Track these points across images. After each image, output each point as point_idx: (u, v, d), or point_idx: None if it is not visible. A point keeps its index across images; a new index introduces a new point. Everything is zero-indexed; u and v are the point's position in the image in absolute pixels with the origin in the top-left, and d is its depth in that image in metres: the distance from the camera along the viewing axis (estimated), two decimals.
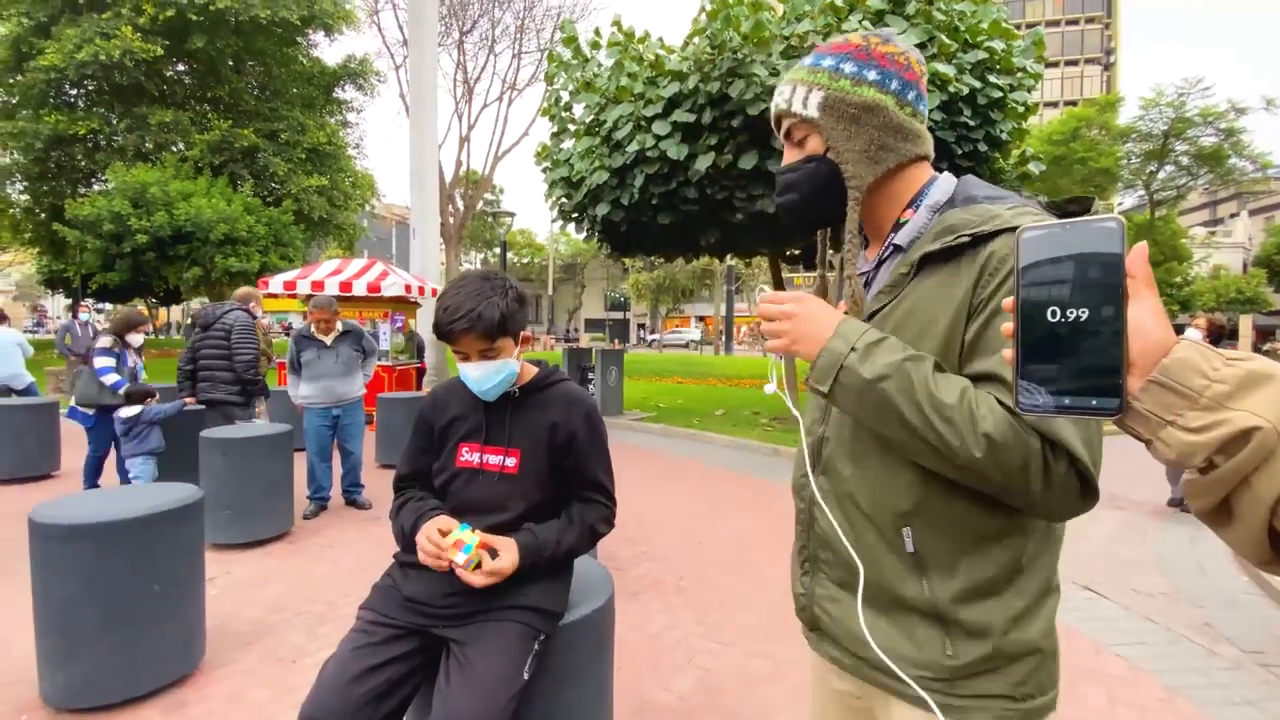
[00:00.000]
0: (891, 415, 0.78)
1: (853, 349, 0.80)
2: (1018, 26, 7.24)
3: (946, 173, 0.94)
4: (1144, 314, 0.50)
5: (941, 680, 0.83)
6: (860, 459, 0.90)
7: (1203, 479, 0.49)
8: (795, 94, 0.93)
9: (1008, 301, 0.55)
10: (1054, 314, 0.51)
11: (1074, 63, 49.31)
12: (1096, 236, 0.51)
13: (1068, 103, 44.28)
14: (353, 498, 4.95)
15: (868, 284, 0.96)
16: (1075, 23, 49.79)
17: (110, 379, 4.42)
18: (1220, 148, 20.62)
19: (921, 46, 6.41)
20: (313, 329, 4.66)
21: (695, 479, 6.20)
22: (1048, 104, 45.88)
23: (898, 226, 0.92)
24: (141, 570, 2.32)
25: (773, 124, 1.00)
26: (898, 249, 0.92)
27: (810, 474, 0.96)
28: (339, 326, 4.72)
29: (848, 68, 0.90)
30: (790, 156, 0.96)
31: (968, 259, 0.81)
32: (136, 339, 4.73)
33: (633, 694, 2.47)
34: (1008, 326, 0.55)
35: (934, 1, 6.63)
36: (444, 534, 1.36)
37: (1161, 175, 21.73)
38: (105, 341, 4.49)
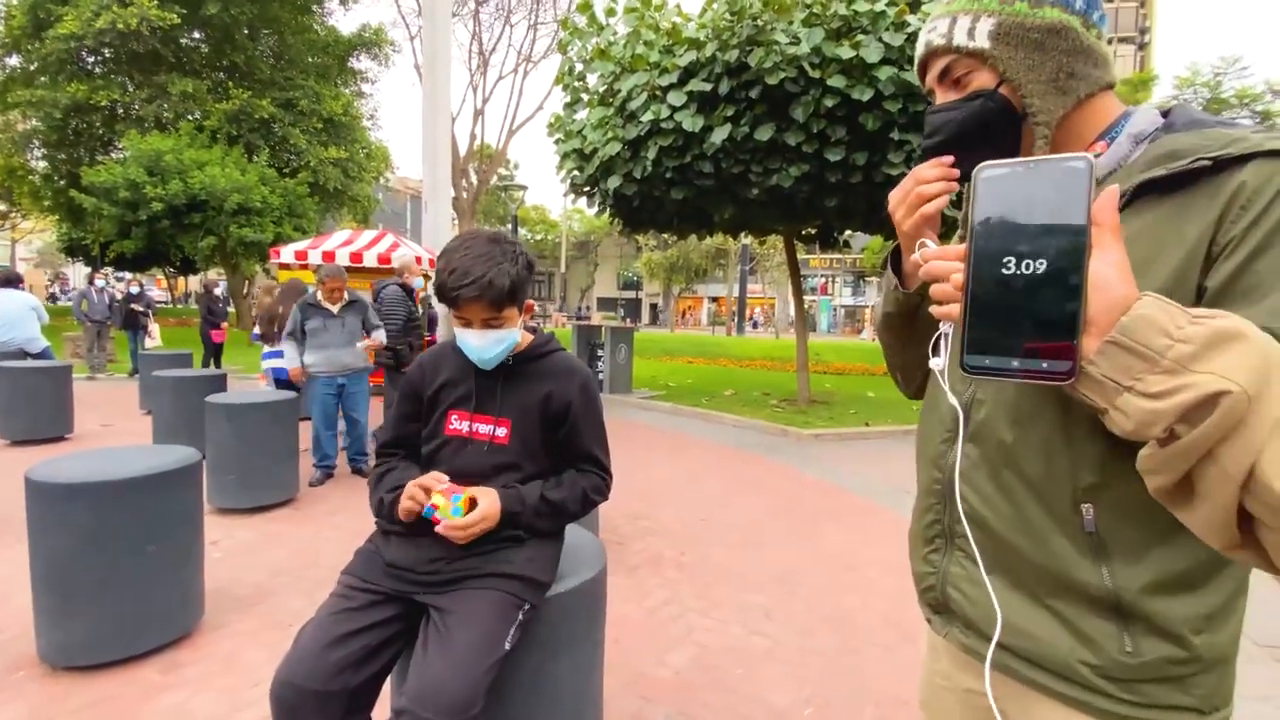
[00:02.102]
0: None
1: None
2: None
3: (1144, 105, 0.83)
4: (1107, 267, 0.45)
5: (1114, 680, 0.72)
6: (1028, 423, 0.76)
7: (1161, 452, 0.43)
8: (956, 26, 0.79)
9: (959, 247, 0.49)
10: (1009, 265, 0.46)
11: (1107, 41, 47.80)
12: (1061, 178, 0.46)
13: None
14: (358, 466, 4.96)
15: None
16: (1110, 0, 48.14)
17: None
18: None
19: None
20: (319, 297, 4.64)
21: (702, 457, 6.16)
22: None
23: None
24: (138, 530, 2.31)
25: (918, 70, 0.86)
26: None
27: (954, 442, 0.82)
28: (346, 296, 4.70)
29: None
30: (945, 99, 0.83)
31: (1205, 189, 0.66)
32: None
33: (627, 668, 2.44)
34: (957, 278, 0.48)
35: None
36: (427, 491, 1.32)
37: None
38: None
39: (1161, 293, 0.65)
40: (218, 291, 10.42)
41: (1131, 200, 0.71)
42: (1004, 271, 0.47)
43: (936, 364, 0.80)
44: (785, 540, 3.91)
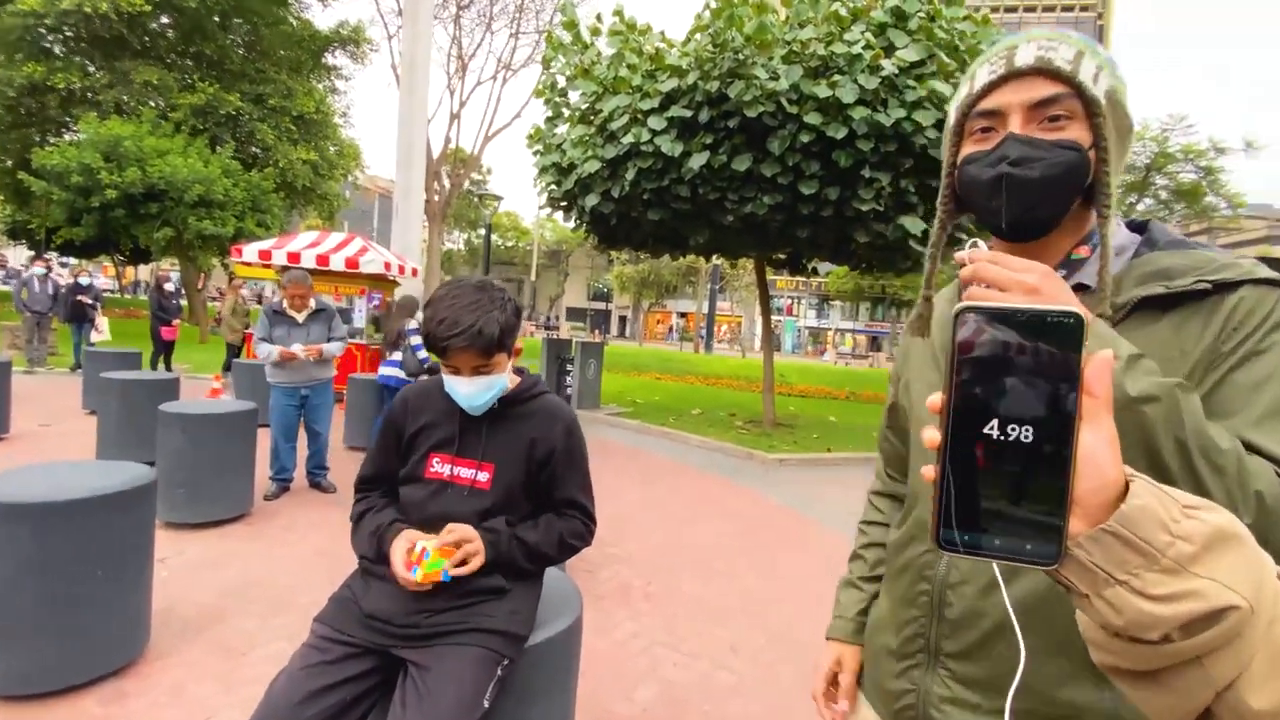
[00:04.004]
0: (1145, 449, 0.62)
1: (1115, 356, 0.62)
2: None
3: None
4: (1098, 442, 0.40)
5: None
6: None
7: (1139, 648, 0.39)
8: (1083, 62, 0.70)
9: (934, 400, 0.43)
10: (992, 428, 0.41)
11: None
12: (1051, 334, 0.41)
13: None
14: (317, 480, 4.81)
15: None
16: None
17: (421, 354, 5.24)
18: (1199, 185, 21.06)
19: (921, 63, 6.41)
20: (285, 304, 4.50)
21: (669, 480, 6.17)
22: None
23: (1069, 264, 0.77)
24: (85, 554, 2.20)
25: (990, 79, 0.74)
26: (1083, 287, 0.75)
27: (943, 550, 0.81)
28: (312, 304, 4.57)
29: (1119, 71, 0.72)
30: (1029, 132, 0.72)
31: (1202, 308, 0.69)
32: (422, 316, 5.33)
33: (594, 703, 2.42)
34: (933, 435, 0.43)
35: (936, 18, 6.63)
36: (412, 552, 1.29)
37: (1141, 207, 22.19)
38: (413, 324, 5.32)
39: None
40: (169, 286, 9.94)
41: (1131, 313, 0.72)
42: (987, 435, 0.41)
43: None
44: (751, 569, 3.94)
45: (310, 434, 4.74)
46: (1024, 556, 0.41)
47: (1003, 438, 0.41)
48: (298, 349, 4.37)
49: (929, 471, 0.44)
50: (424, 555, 1.27)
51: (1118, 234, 0.78)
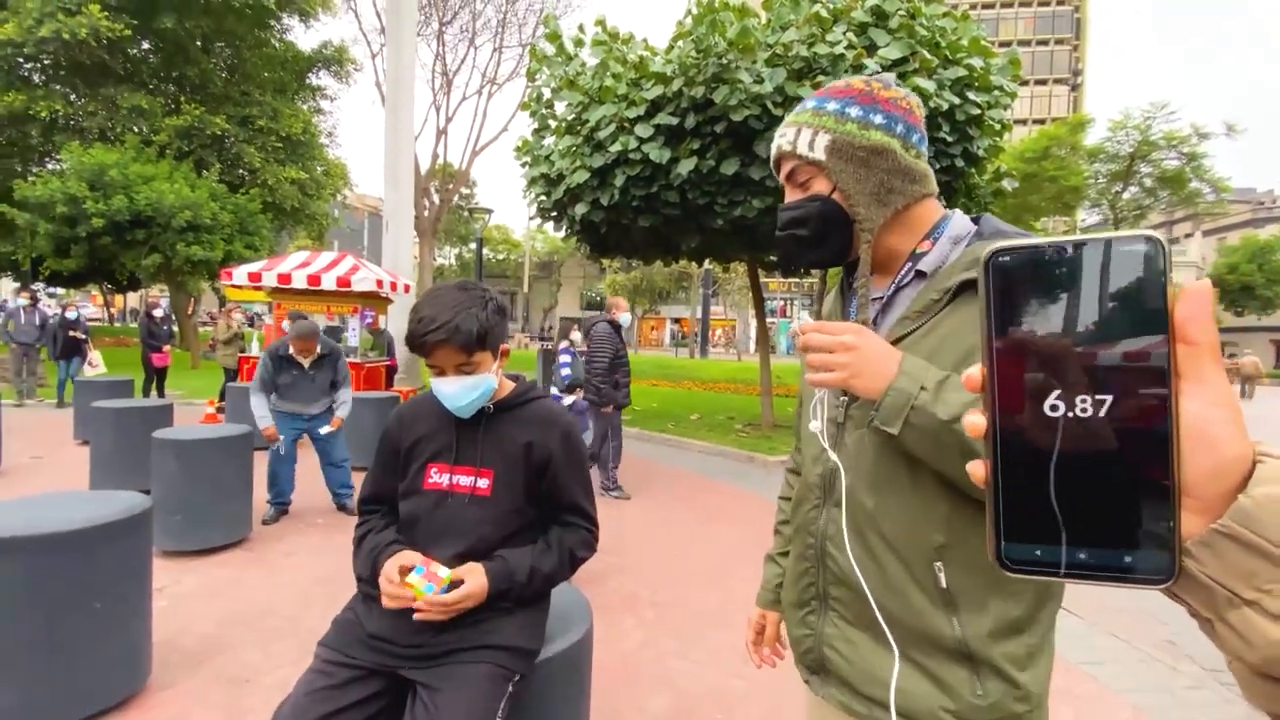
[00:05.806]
0: (964, 457, 0.73)
1: (923, 388, 0.76)
2: (992, 44, 7.34)
3: (959, 210, 0.94)
4: (1208, 409, 0.29)
5: None
6: (885, 490, 0.85)
7: None
8: (800, 136, 0.91)
9: (972, 374, 0.34)
10: (1055, 405, 0.31)
11: (1043, 82, 50.79)
12: (1120, 267, 0.31)
13: (1035, 121, 45.59)
14: (342, 501, 4.79)
15: (884, 308, 0.92)
16: (1045, 43, 51.28)
17: (564, 372, 5.69)
18: (1182, 171, 21.28)
19: (903, 61, 6.45)
20: (291, 350, 4.46)
21: (671, 486, 6.14)
22: (1016, 121, 47.15)
23: (915, 257, 0.90)
24: (81, 586, 2.16)
25: (772, 166, 0.98)
26: (920, 275, 0.90)
27: (822, 507, 0.93)
28: (318, 349, 4.54)
29: (854, 111, 0.89)
30: (792, 197, 0.94)
31: None
32: (576, 336, 6.16)
33: (605, 715, 2.39)
34: (976, 421, 0.34)
35: (917, 16, 6.69)
36: (405, 571, 1.26)
37: (1126, 196, 22.38)
38: (565, 343, 5.95)
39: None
40: (158, 313, 9.89)
41: (958, 294, 0.83)
42: (1048, 414, 0.31)
43: (815, 426, 0.90)
44: (757, 573, 3.90)
45: (331, 467, 4.76)
46: (1125, 573, 0.31)
47: (1070, 415, 0.31)
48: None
49: (978, 470, 0.34)
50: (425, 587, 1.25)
51: (960, 225, 0.91)
